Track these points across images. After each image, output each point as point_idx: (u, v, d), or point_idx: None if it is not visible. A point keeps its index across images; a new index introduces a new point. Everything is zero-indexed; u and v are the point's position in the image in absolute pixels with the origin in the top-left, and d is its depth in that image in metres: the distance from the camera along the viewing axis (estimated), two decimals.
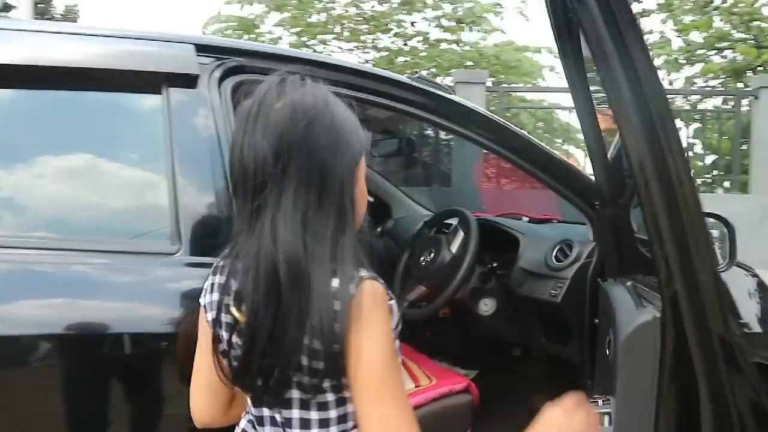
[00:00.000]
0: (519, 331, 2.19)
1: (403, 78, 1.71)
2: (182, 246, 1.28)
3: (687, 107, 8.74)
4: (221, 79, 1.45)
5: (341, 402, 0.83)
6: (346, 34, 9.59)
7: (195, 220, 1.32)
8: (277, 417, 0.85)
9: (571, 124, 7.17)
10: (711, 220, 1.67)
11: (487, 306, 2.14)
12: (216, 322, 0.87)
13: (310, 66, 1.60)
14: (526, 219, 2.51)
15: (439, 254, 2.13)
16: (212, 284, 0.90)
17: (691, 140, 7.72)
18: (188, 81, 1.40)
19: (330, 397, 0.82)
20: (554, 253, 2.03)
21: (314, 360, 0.78)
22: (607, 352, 1.36)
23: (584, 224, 2.16)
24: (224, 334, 0.85)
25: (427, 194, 4.24)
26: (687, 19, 9.57)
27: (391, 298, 0.82)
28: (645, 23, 9.99)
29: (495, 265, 2.20)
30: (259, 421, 0.89)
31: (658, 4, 9.72)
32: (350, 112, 0.87)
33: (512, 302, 2.14)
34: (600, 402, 1.27)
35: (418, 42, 9.58)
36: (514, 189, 6.39)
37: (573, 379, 2.15)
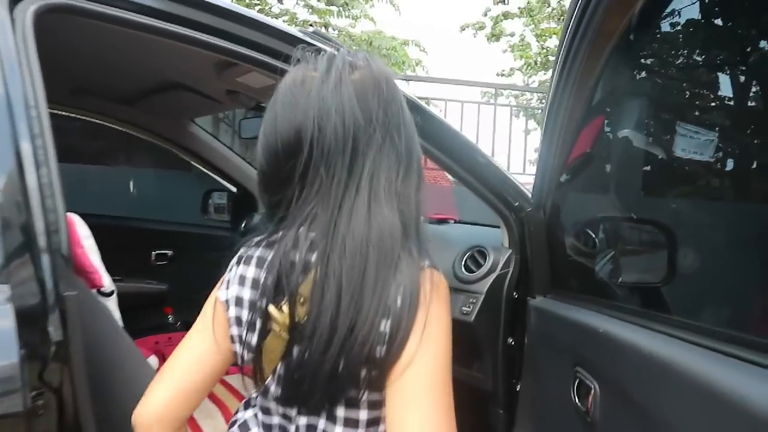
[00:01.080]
0: None
1: (293, 30, 1.28)
2: None
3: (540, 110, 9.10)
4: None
5: (373, 405, 0.75)
6: None
7: None
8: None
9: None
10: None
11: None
12: (238, 321, 0.81)
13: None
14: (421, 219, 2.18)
15: None
16: (239, 276, 0.82)
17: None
18: None
19: (364, 396, 0.74)
20: (464, 262, 1.73)
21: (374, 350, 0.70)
22: (580, 403, 1.06)
23: (490, 226, 1.91)
24: (244, 335, 0.79)
25: None
26: (544, 25, 10.02)
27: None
28: (507, 26, 10.34)
29: None
30: (266, 411, 0.83)
31: (520, 9, 10.06)
32: None
33: None
34: None
35: (285, 22, 9.01)
36: None
37: (477, 407, 1.88)
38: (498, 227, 1.73)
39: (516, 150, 7.32)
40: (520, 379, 1.62)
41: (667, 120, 1.16)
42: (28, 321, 0.81)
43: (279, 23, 1.27)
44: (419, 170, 0.81)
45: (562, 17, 9.94)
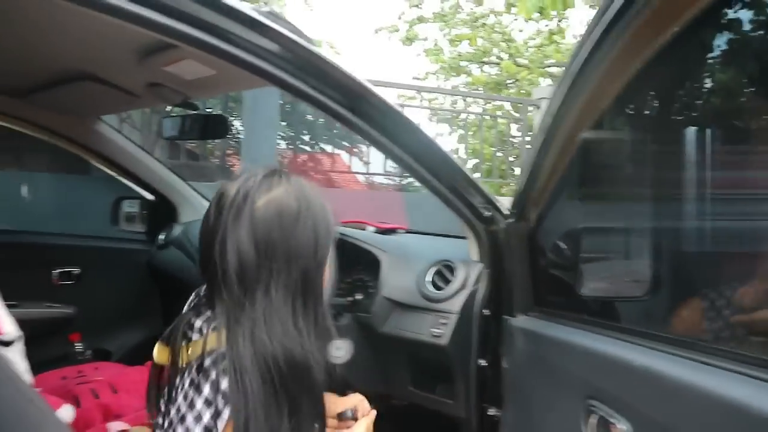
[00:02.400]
0: (378, 379, 1.66)
1: (246, 7, 1.05)
2: None
3: (451, 115, 9.08)
4: None
5: None
6: None
7: None
8: None
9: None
10: None
11: (339, 350, 1.57)
12: None
13: None
14: (372, 229, 1.99)
15: None
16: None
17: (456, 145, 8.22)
18: None
19: None
20: (430, 278, 1.56)
21: None
22: None
23: (453, 237, 1.76)
24: None
25: None
26: (456, 31, 10.13)
27: None
28: (421, 30, 10.36)
29: (358, 297, 1.65)
30: None
31: (434, 14, 10.12)
32: (323, 200, 0.93)
33: (373, 344, 1.61)
34: None
35: None
36: (336, 188, 5.79)
37: None
38: (463, 238, 1.58)
39: None
40: (493, 404, 1.48)
41: (690, 126, 1.05)
42: None
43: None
44: (319, 292, 0.91)
45: (474, 22, 10.11)
